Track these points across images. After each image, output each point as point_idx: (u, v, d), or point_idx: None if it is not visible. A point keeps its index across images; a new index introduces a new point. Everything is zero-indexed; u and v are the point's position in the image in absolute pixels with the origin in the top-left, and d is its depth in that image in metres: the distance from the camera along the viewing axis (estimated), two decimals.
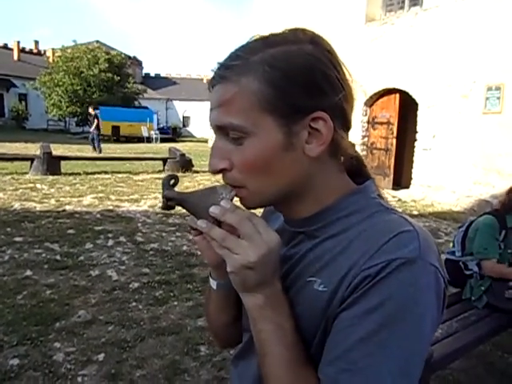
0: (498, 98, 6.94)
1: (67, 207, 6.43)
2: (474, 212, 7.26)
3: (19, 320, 3.00)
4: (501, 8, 6.74)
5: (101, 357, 2.64)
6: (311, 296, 0.59)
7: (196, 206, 0.61)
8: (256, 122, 0.57)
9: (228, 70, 0.58)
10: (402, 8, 8.68)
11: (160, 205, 0.66)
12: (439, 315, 0.57)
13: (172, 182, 0.64)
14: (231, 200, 0.59)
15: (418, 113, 8.26)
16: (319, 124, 0.58)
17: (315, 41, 0.59)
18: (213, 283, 0.74)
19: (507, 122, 6.85)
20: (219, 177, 0.63)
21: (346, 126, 0.62)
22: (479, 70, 7.11)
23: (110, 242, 4.88)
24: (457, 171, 7.58)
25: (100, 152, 14.93)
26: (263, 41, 0.59)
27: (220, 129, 0.60)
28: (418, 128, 8.28)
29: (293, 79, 0.56)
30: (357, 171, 0.68)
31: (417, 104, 8.25)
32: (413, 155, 8.46)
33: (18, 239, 4.77)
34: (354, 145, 0.67)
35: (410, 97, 8.31)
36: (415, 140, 8.36)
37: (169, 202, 0.63)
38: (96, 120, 15.68)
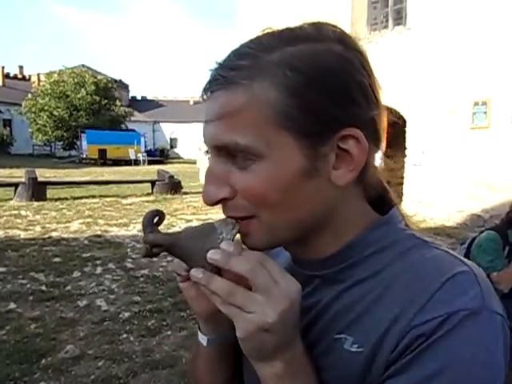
0: (485, 113, 7.00)
1: (53, 234, 6.23)
2: (466, 226, 7.25)
3: (1, 358, 2.80)
4: (484, 25, 6.88)
5: None
6: (341, 358, 0.47)
7: (189, 251, 0.46)
8: (270, 142, 0.44)
9: (235, 70, 0.44)
10: (386, 27, 8.82)
11: (141, 250, 0.50)
12: (506, 371, 0.45)
13: (156, 219, 0.48)
14: (233, 239, 0.47)
15: (407, 129, 8.31)
16: (349, 144, 0.46)
17: (345, 40, 0.47)
18: (203, 339, 0.59)
19: (495, 137, 6.90)
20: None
21: (378, 146, 0.51)
22: (465, 86, 7.19)
23: (99, 270, 4.70)
24: (448, 186, 7.59)
25: None
26: (279, 36, 0.46)
27: (220, 149, 0.46)
28: (407, 144, 8.32)
29: (321, 87, 0.44)
30: (378, 198, 0.56)
31: (405, 120, 8.30)
32: (403, 171, 8.47)
33: (0, 269, 4.56)
34: (376, 167, 0.56)
35: (398, 113, 8.37)
36: (405, 156, 8.39)
37: (154, 249, 0.47)
38: None
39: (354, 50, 0.47)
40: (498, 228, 2.68)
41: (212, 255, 0.44)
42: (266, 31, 0.48)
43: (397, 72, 8.21)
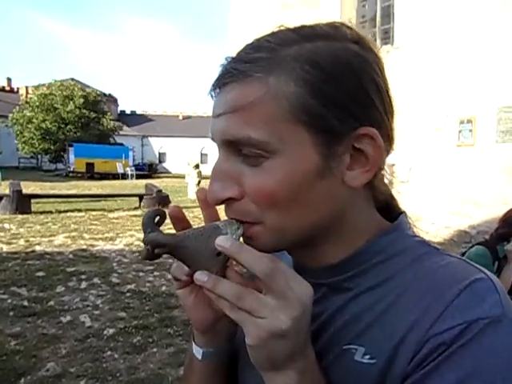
0: (470, 131, 7.12)
1: (37, 248, 6.09)
2: (454, 242, 7.29)
3: None
4: (470, 45, 7.05)
5: None
6: (352, 370, 0.44)
7: (193, 252, 0.43)
8: (285, 137, 0.42)
9: (250, 63, 0.43)
10: None
11: (140, 252, 0.47)
12: None
13: (157, 219, 0.45)
14: (238, 240, 0.44)
15: (394, 146, 8.41)
16: (365, 143, 0.45)
17: (362, 41, 0.47)
18: (197, 352, 0.55)
19: (480, 154, 7.02)
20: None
21: (389, 150, 0.49)
22: (451, 104, 7.33)
23: (83, 285, 4.59)
24: (435, 203, 7.66)
25: None
26: (297, 31, 0.45)
27: (230, 144, 0.44)
28: (395, 161, 8.40)
29: (339, 83, 0.43)
30: (385, 204, 0.55)
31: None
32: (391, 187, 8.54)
33: None
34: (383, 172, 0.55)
35: None
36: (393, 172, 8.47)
37: (156, 250, 0.43)
38: None
39: (370, 51, 0.47)
40: (487, 243, 2.68)
41: (221, 242, 0.40)
42: (280, 27, 0.47)
43: None
